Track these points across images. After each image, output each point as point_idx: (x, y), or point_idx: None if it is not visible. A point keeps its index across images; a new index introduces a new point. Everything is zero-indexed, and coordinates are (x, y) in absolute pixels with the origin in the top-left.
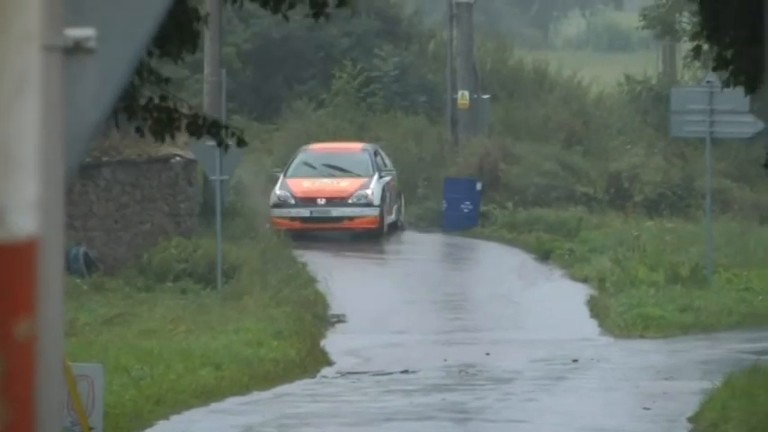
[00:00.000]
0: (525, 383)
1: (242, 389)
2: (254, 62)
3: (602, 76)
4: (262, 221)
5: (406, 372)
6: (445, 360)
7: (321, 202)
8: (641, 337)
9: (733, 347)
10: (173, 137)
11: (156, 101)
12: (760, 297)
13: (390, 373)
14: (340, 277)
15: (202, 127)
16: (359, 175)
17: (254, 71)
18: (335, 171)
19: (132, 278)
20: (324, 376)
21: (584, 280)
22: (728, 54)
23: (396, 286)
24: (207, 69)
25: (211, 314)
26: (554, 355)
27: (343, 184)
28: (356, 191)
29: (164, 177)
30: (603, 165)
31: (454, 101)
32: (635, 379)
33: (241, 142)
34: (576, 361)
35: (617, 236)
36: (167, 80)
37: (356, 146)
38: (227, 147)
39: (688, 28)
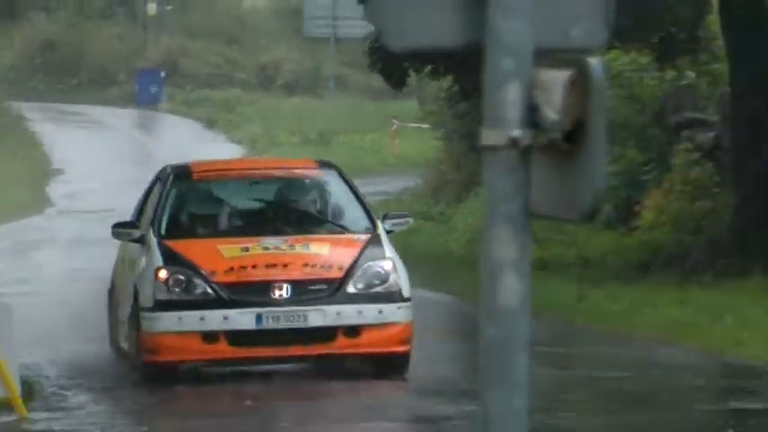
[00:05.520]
0: None
1: None
2: None
3: None
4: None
5: (111, 211)
6: None
7: (281, 293)
8: None
9: None
10: None
11: None
12: None
13: (96, 212)
14: (62, 141)
15: None
16: (344, 229)
17: None
18: (283, 221)
19: None
20: (48, 214)
21: (239, 142)
22: None
23: (102, 149)
24: None
25: None
26: None
27: (321, 251)
28: (354, 262)
29: None
30: (254, 58)
31: (143, 11)
32: None
33: None
34: None
35: (265, 110)
36: None
37: (302, 163)
38: None
39: None
